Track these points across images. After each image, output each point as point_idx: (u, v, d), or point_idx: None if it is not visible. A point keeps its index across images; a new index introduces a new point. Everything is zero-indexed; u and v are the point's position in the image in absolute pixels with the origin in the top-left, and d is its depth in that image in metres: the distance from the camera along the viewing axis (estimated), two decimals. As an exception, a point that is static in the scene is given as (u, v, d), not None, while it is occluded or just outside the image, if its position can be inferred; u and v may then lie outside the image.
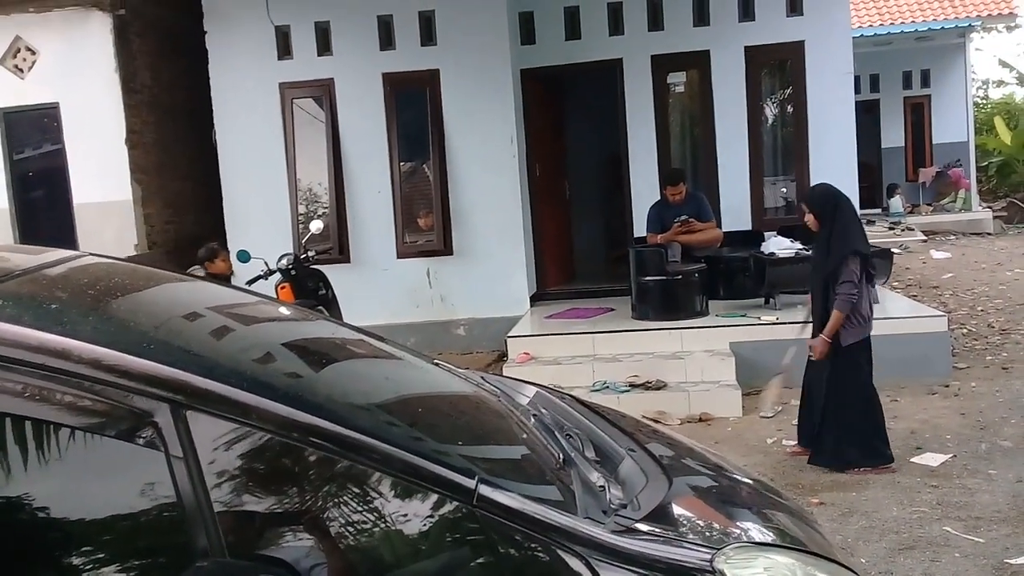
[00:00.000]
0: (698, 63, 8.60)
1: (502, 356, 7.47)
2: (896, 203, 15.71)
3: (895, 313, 6.98)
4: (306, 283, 6.83)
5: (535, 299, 8.61)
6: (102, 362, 1.48)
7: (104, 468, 1.50)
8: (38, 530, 1.47)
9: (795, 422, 5.73)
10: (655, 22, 8.57)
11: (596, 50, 8.63)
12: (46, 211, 8.77)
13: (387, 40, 8.27)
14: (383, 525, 1.57)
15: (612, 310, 7.94)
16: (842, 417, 4.95)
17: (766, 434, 5.81)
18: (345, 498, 1.58)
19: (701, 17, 8.52)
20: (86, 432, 1.47)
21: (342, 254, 8.33)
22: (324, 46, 8.35)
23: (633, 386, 6.54)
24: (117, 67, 8.33)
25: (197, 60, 8.48)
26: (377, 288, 8.21)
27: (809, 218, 5.05)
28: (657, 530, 1.75)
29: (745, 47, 8.45)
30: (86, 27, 8.31)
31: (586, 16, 8.64)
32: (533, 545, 1.60)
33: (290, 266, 6.75)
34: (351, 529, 1.56)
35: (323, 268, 7.13)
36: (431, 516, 1.60)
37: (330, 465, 1.58)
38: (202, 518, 1.44)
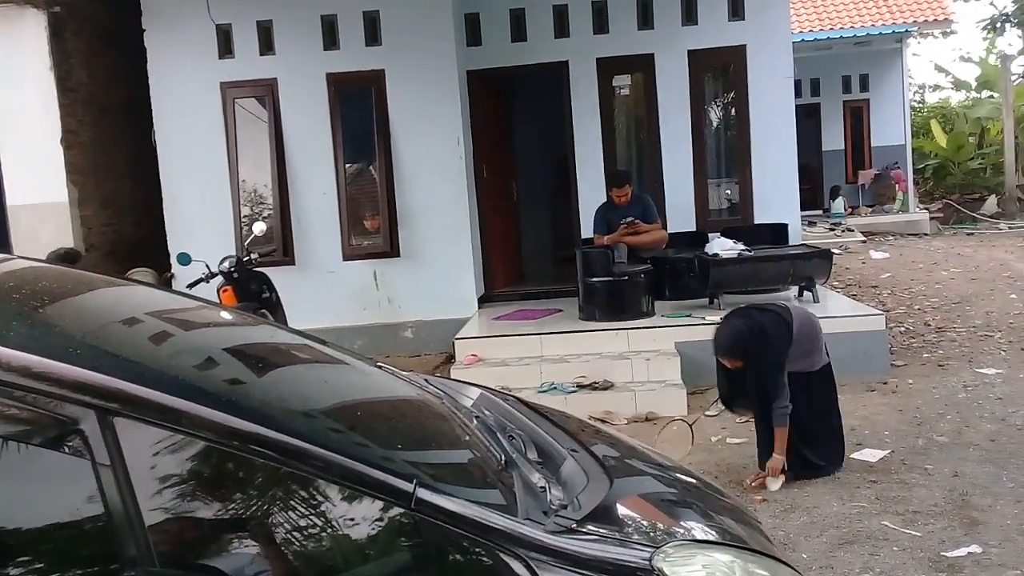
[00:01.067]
0: (643, 66, 8.67)
1: (450, 358, 7.44)
2: (838, 204, 16.05)
3: (835, 312, 7.12)
4: (249, 286, 6.70)
5: (483, 301, 8.60)
6: (27, 368, 1.44)
7: (31, 477, 1.45)
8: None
9: (739, 420, 5.82)
10: (600, 25, 8.62)
11: (542, 52, 8.66)
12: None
13: (331, 40, 8.18)
14: (322, 531, 1.55)
15: (560, 311, 7.97)
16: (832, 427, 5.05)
17: (711, 432, 5.87)
18: (282, 504, 1.55)
19: (645, 20, 8.60)
20: (11, 440, 1.43)
21: (287, 256, 8.21)
22: (267, 45, 8.23)
23: (580, 387, 6.56)
24: (52, 65, 8.08)
25: (135, 58, 8.29)
26: (323, 291, 8.12)
27: (734, 364, 4.94)
28: (597, 530, 1.75)
29: (688, 50, 8.55)
30: (20, 24, 8.05)
31: (532, 18, 8.66)
32: (472, 548, 1.59)
33: (232, 269, 6.62)
34: (289, 536, 1.54)
35: (267, 270, 7.01)
36: (370, 521, 1.58)
37: (267, 472, 1.55)
38: (131, 527, 1.41)
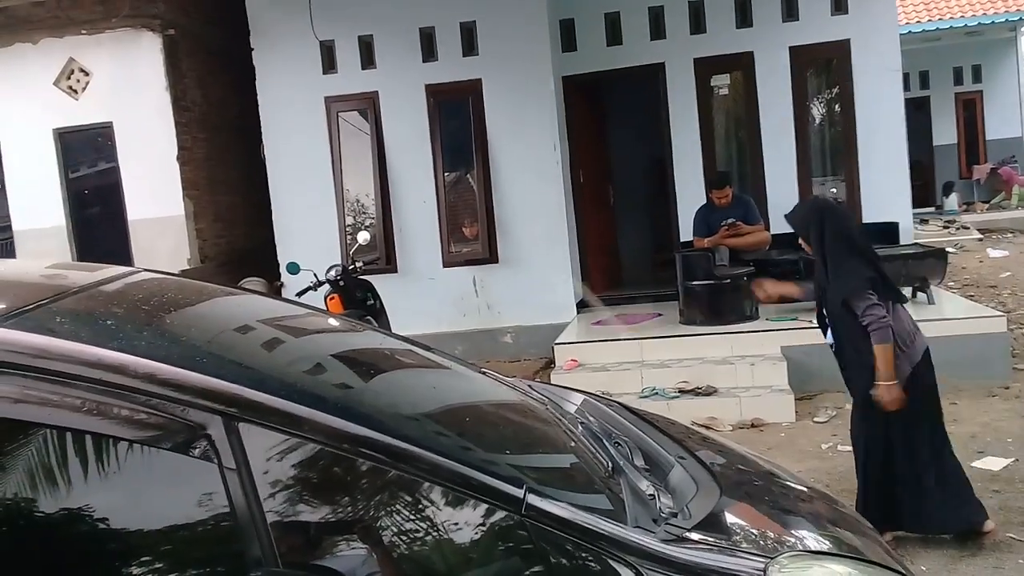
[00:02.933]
0: (742, 65, 8.51)
1: (550, 363, 7.45)
2: (952, 201, 15.36)
3: (951, 314, 6.82)
4: (354, 294, 6.88)
5: (581, 306, 8.58)
6: (156, 376, 1.51)
7: (160, 480, 1.53)
8: (97, 542, 1.50)
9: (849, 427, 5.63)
10: (697, 25, 8.51)
11: (638, 55, 8.59)
12: (101, 228, 8.97)
13: (429, 51, 8.33)
14: (433, 535, 1.58)
15: (660, 315, 7.88)
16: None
17: (820, 439, 5.71)
18: (395, 508, 1.59)
19: (744, 18, 8.43)
20: (142, 445, 1.50)
21: (389, 264, 8.39)
22: (368, 59, 8.44)
23: (682, 392, 6.47)
24: (168, 86, 8.50)
25: (244, 77, 8.63)
26: (424, 297, 8.26)
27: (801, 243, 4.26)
28: (708, 539, 1.72)
29: (790, 47, 8.34)
30: (137, 47, 8.50)
31: (627, 21, 8.61)
32: (583, 555, 1.59)
33: (338, 277, 6.82)
34: (401, 539, 1.57)
35: (371, 278, 7.19)
36: (481, 526, 1.60)
37: (380, 475, 1.59)
38: (255, 528, 1.46)
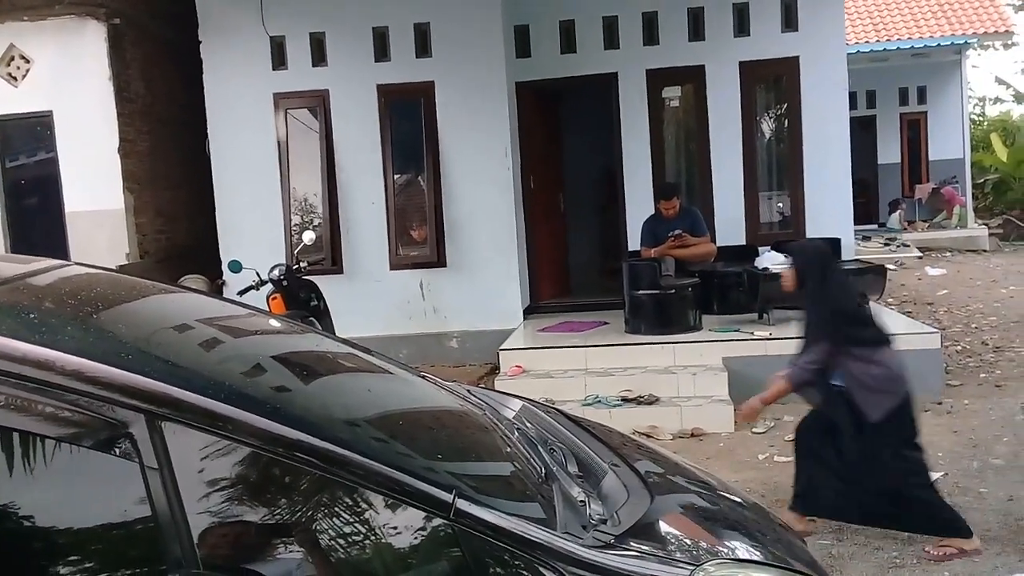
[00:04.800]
0: (693, 78, 8.62)
1: (494, 369, 7.44)
2: (894, 219, 15.74)
3: (889, 330, 6.97)
4: (298, 294, 6.79)
5: (528, 312, 8.59)
6: (80, 372, 1.47)
7: (82, 479, 1.48)
8: (12, 539, 1.45)
9: (788, 438, 5.71)
10: (650, 37, 8.59)
11: (591, 64, 8.65)
12: (38, 219, 8.74)
13: (382, 51, 8.28)
14: (363, 539, 1.56)
15: (606, 324, 7.92)
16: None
17: (758, 450, 5.79)
18: (323, 511, 1.57)
19: (696, 32, 8.54)
20: (63, 442, 1.46)
21: (335, 265, 8.31)
22: (319, 57, 8.35)
23: (625, 400, 6.51)
24: (111, 76, 8.32)
25: (191, 70, 8.48)
26: (370, 300, 8.19)
27: (787, 273, 4.44)
28: (637, 546, 1.73)
29: (740, 62, 8.47)
30: (81, 36, 8.30)
31: (581, 30, 8.66)
32: (511, 560, 1.58)
33: (282, 277, 6.72)
34: (329, 543, 1.55)
35: (315, 279, 7.10)
36: (410, 530, 1.58)
37: (308, 479, 1.56)
38: (176, 529, 1.43)
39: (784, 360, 6.62)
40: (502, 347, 7.35)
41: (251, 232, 8.28)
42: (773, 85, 8.74)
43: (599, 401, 6.51)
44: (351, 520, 1.57)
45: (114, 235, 8.41)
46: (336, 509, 1.58)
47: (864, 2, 17.42)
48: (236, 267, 6.69)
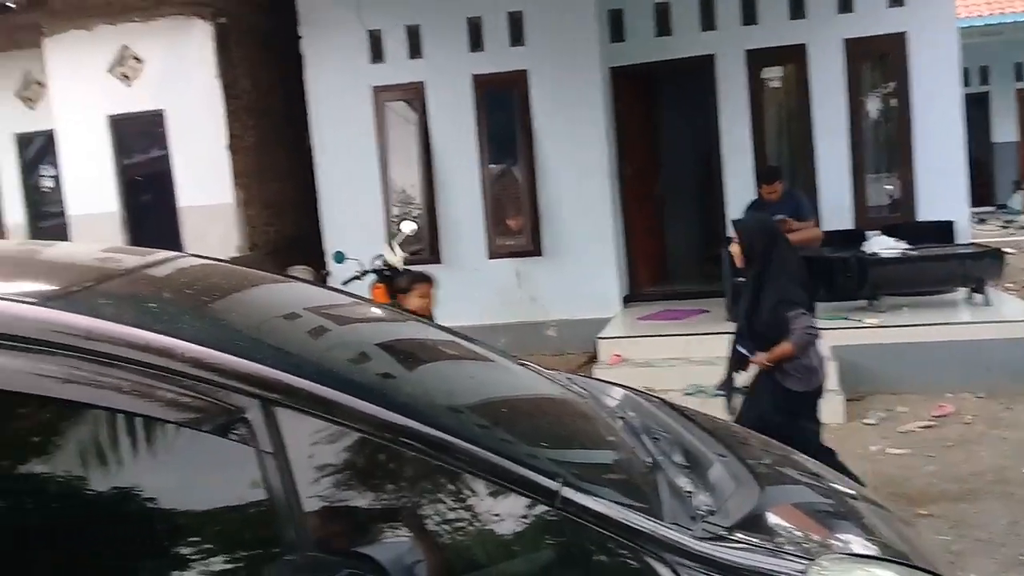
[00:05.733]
0: (795, 57, 8.32)
1: (593, 358, 7.40)
2: (1016, 200, 14.91)
3: (1009, 316, 6.63)
4: (399, 284, 6.90)
5: (626, 300, 8.52)
6: (198, 359, 1.51)
7: (199, 463, 1.54)
8: (135, 522, 1.51)
9: (900, 430, 5.52)
10: (749, 16, 8.35)
11: (688, 46, 8.46)
12: (153, 214, 9.10)
13: (476, 42, 8.32)
14: (468, 525, 1.57)
15: (706, 312, 7.78)
16: None
17: (869, 442, 5.61)
18: (431, 497, 1.58)
19: (797, 10, 8.25)
20: (183, 427, 1.51)
21: (433, 255, 8.41)
22: (415, 49, 8.45)
23: (727, 389, 6.38)
24: (218, 74, 8.60)
25: (293, 65, 8.70)
26: (468, 289, 8.24)
27: (735, 248, 4.43)
28: (747, 538, 1.69)
29: (844, 39, 8.15)
30: (189, 35, 8.60)
31: (677, 11, 8.48)
32: (617, 550, 1.56)
33: (384, 267, 6.85)
34: (436, 528, 1.56)
35: (415, 269, 7.20)
36: (516, 518, 1.58)
37: (416, 464, 1.58)
38: (291, 513, 1.46)
39: (895, 348, 6.48)
40: (600, 335, 7.32)
41: (353, 223, 8.46)
42: (879, 62, 8.35)
43: (701, 391, 6.39)
44: (457, 506, 1.58)
45: (225, 229, 8.71)
46: (442, 495, 1.59)
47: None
48: (340, 258, 6.86)
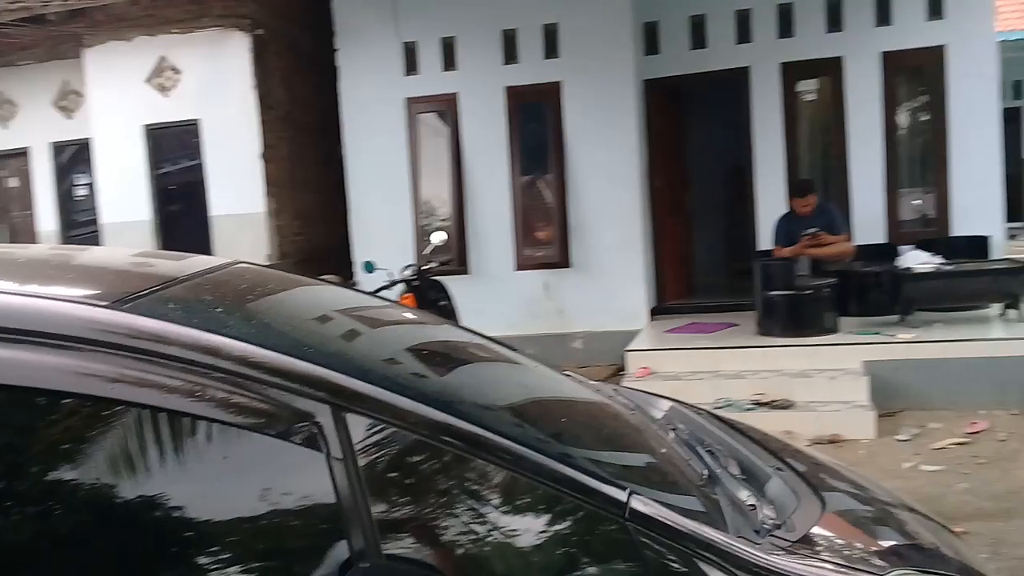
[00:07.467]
0: (830, 70, 8.29)
1: (619, 370, 7.37)
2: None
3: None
4: (427, 293, 6.93)
5: (654, 313, 8.48)
6: (270, 365, 1.51)
7: (268, 468, 1.54)
8: (205, 526, 1.51)
9: (934, 447, 5.43)
10: (785, 29, 8.33)
11: (722, 59, 8.46)
12: (184, 222, 9.20)
13: (511, 54, 8.35)
14: (535, 535, 1.55)
15: (735, 325, 7.74)
16: None
17: (902, 458, 5.54)
18: (498, 507, 1.57)
19: (834, 23, 8.22)
20: (255, 432, 1.50)
21: (462, 265, 8.42)
22: (449, 61, 8.50)
23: (758, 404, 6.34)
24: (255, 85, 8.69)
25: (327, 76, 8.77)
26: (495, 299, 8.25)
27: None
28: (814, 553, 1.66)
29: (881, 52, 8.10)
30: (226, 47, 8.71)
31: (712, 24, 8.48)
32: (687, 564, 1.55)
33: (413, 277, 6.87)
34: (503, 538, 1.55)
35: (443, 279, 7.22)
36: (582, 528, 1.57)
37: (484, 474, 1.57)
38: (360, 520, 1.45)
39: (928, 364, 6.40)
40: (628, 348, 7.29)
41: (382, 233, 8.50)
42: (916, 76, 8.31)
43: (730, 404, 6.35)
44: (524, 515, 1.56)
45: (256, 237, 8.78)
46: (510, 505, 1.58)
47: (1011, -14, 16.35)
48: (370, 268, 6.89)
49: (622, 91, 8.05)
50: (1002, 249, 8.00)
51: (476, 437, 1.55)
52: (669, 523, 1.55)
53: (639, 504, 1.56)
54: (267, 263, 8.60)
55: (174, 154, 9.25)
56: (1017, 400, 6.19)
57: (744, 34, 8.44)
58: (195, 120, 8.85)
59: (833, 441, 5.95)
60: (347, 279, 8.73)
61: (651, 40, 8.62)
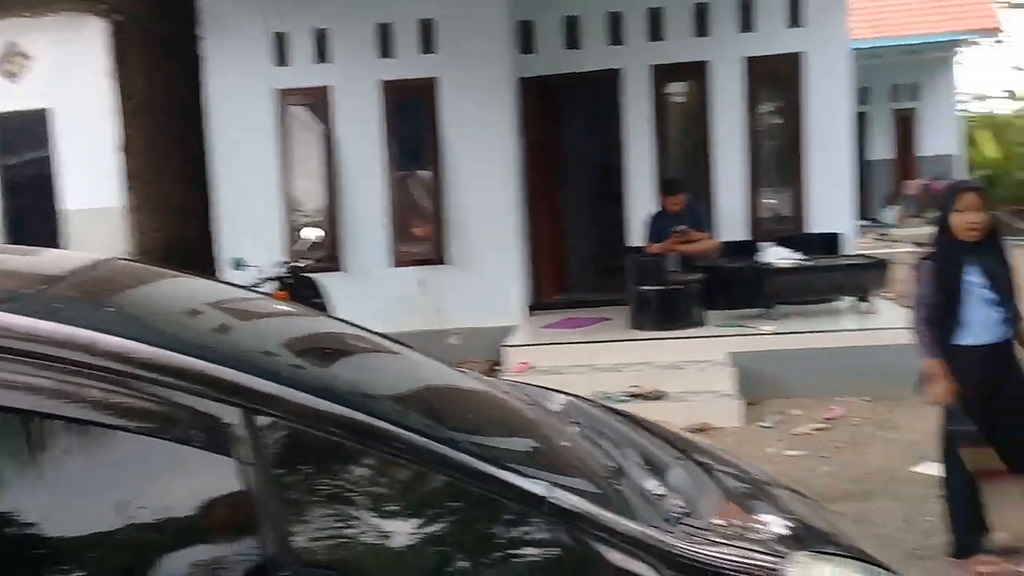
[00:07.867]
0: (697, 73, 8.60)
1: (495, 365, 7.41)
2: (889, 214, 15.82)
3: (890, 323, 6.99)
4: (301, 291, 6.76)
5: (531, 309, 8.57)
6: (174, 367, 1.43)
7: (180, 473, 1.45)
8: (117, 533, 1.41)
9: (795, 432, 5.74)
10: (655, 32, 8.58)
11: (595, 59, 8.62)
12: (33, 217, 8.61)
13: (386, 48, 8.23)
14: (455, 533, 1.54)
15: (608, 320, 7.92)
16: None
17: (766, 444, 5.82)
18: (419, 507, 1.54)
19: (701, 28, 8.53)
20: (160, 439, 1.42)
21: (336, 262, 8.25)
22: (322, 53, 8.29)
23: (632, 396, 6.50)
24: (112, 73, 8.21)
25: (192, 66, 8.39)
26: (370, 296, 8.10)
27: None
28: (726, 539, 1.72)
29: (745, 57, 8.47)
30: (81, 32, 8.19)
31: (586, 25, 8.63)
32: (602, 553, 1.56)
33: (287, 274, 6.69)
34: (423, 537, 1.53)
35: (316, 276, 7.06)
36: (502, 524, 1.56)
37: (401, 473, 1.54)
38: (275, 527, 1.40)
39: (789, 355, 6.75)
40: (506, 343, 7.34)
41: (252, 229, 8.20)
42: (777, 81, 8.71)
43: (608, 397, 6.48)
44: (444, 514, 1.55)
45: (111, 232, 8.29)
46: (431, 505, 1.56)
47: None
48: (239, 265, 6.65)
49: (498, 88, 8.09)
50: (852, 245, 8.53)
51: (392, 436, 1.52)
52: (585, 515, 1.57)
53: (556, 498, 1.56)
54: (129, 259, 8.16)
55: (24, 144, 8.63)
56: (869, 388, 6.58)
57: (616, 36, 8.63)
58: (47, 108, 8.28)
59: (702, 430, 6.16)
60: (211, 277, 8.39)
61: (527, 39, 8.69)
